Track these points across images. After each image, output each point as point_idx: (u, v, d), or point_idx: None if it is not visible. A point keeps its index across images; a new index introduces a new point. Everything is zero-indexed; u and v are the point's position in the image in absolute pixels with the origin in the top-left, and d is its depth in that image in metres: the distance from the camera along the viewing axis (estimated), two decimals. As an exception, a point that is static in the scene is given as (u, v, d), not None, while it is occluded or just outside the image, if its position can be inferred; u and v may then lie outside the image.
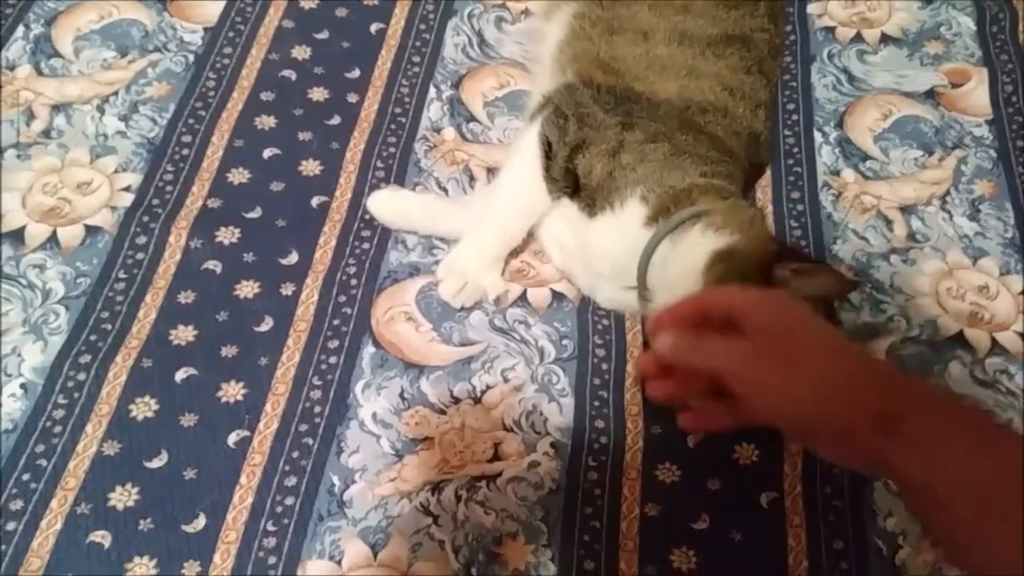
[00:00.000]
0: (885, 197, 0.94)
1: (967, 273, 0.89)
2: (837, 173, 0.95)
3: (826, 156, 0.97)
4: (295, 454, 0.74)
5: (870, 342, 0.83)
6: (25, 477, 0.71)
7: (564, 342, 0.82)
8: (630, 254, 0.78)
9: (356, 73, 0.99)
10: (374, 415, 0.76)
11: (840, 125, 0.99)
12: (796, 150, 0.97)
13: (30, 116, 0.92)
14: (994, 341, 0.84)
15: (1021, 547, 0.45)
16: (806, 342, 0.54)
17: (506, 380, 0.79)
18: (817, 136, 0.98)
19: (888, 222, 0.92)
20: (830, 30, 1.09)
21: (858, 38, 1.08)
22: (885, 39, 1.08)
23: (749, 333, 0.54)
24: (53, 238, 0.84)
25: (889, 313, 0.85)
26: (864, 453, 0.51)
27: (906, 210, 0.93)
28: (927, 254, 0.90)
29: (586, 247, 0.82)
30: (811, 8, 1.11)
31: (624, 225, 0.79)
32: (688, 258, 0.73)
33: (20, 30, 0.99)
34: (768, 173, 0.94)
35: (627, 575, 0.70)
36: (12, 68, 0.96)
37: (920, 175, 0.96)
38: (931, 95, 1.03)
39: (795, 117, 1.00)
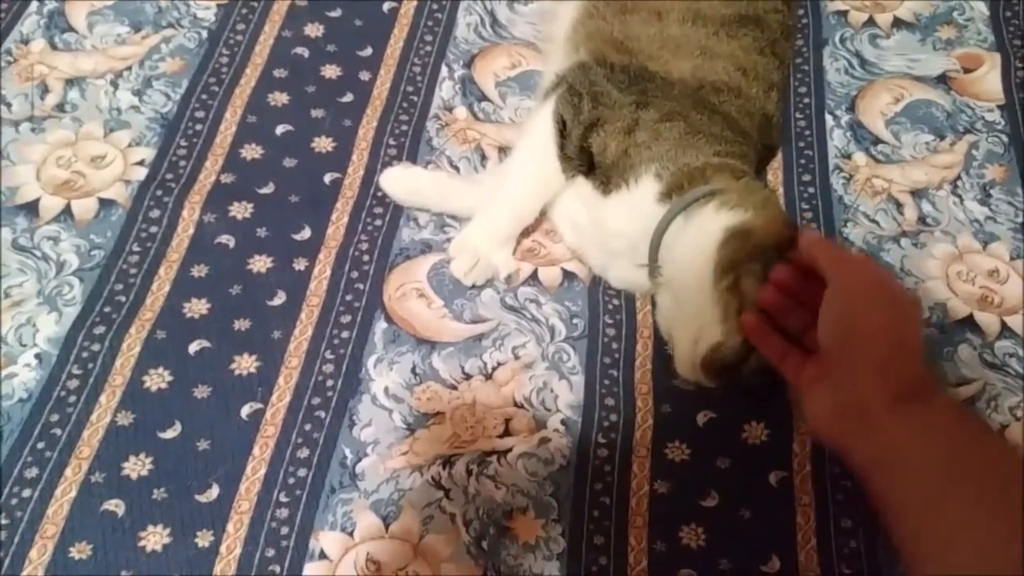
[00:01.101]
0: (896, 181, 0.94)
1: (977, 257, 0.89)
2: (848, 156, 0.95)
3: (837, 139, 0.97)
4: (308, 427, 0.74)
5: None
6: (40, 445, 0.71)
7: (575, 321, 0.82)
8: (643, 231, 0.78)
9: (368, 51, 0.99)
10: (386, 389, 0.77)
11: (852, 109, 0.99)
12: (807, 133, 0.97)
13: (44, 90, 0.93)
14: (1004, 324, 0.84)
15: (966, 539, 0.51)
16: (906, 312, 0.62)
17: (517, 357, 0.80)
18: (828, 119, 0.98)
19: (899, 205, 0.92)
20: (842, 14, 1.09)
21: (870, 22, 1.08)
22: (897, 23, 1.08)
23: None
24: (67, 211, 0.84)
25: (899, 295, 0.86)
26: (857, 408, 0.58)
27: (917, 194, 0.93)
28: (937, 238, 0.90)
29: (600, 225, 0.82)
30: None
31: (638, 202, 0.79)
32: (702, 234, 0.73)
33: (34, 5, 0.99)
34: (779, 156, 0.94)
35: (636, 550, 0.71)
36: (26, 42, 0.96)
37: (931, 159, 0.96)
38: (943, 80, 1.03)
39: (807, 100, 1.00)
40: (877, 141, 0.97)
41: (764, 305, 0.68)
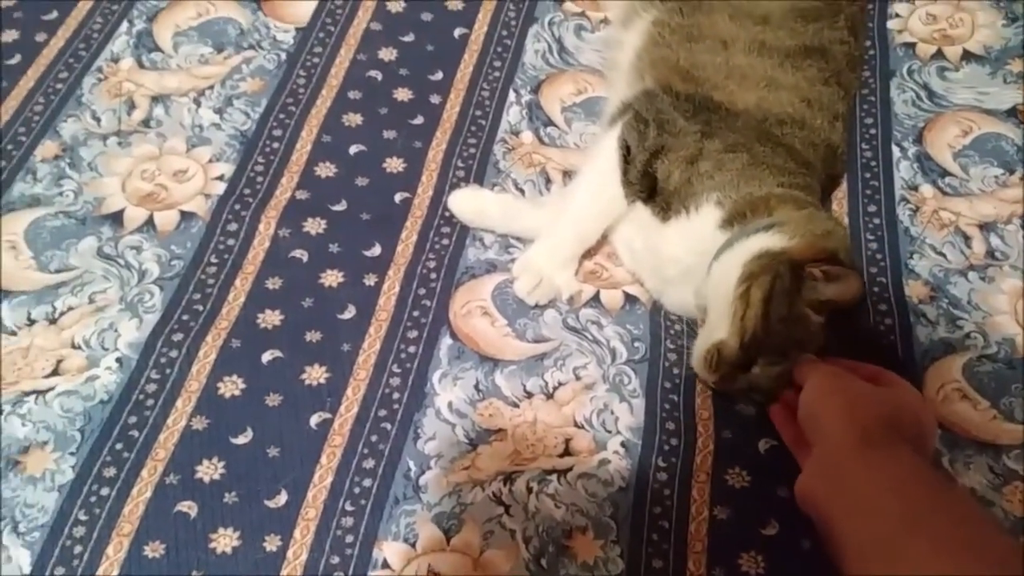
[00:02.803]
0: (964, 214, 0.93)
1: (1048, 293, 0.88)
2: (915, 188, 0.95)
3: (904, 171, 0.96)
4: (374, 438, 0.76)
5: (945, 358, 0.83)
6: (118, 447, 0.74)
7: (636, 344, 0.83)
8: (702, 257, 0.79)
9: (439, 75, 1.02)
10: (450, 404, 0.78)
11: (919, 141, 0.99)
12: (874, 164, 0.97)
13: (131, 106, 0.97)
14: (1075, 362, 0.83)
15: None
16: (858, 384, 0.69)
17: (578, 378, 0.81)
18: (895, 151, 0.98)
19: (967, 239, 0.91)
20: (910, 46, 1.08)
21: (939, 55, 1.07)
22: (967, 56, 1.07)
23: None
24: (150, 222, 0.88)
25: (966, 330, 0.85)
26: (828, 457, 0.65)
27: (985, 227, 0.92)
28: (1006, 272, 0.89)
29: (656, 251, 0.83)
30: (891, 24, 1.10)
31: (697, 229, 0.80)
32: (741, 252, 0.76)
33: (124, 25, 1.04)
34: (844, 186, 0.94)
35: (695, 575, 0.71)
36: (116, 61, 1.01)
37: (1000, 193, 0.95)
38: (1013, 113, 1.01)
39: (873, 131, 1.00)
40: (945, 173, 0.96)
41: (773, 418, 0.75)
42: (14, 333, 0.80)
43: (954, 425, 0.79)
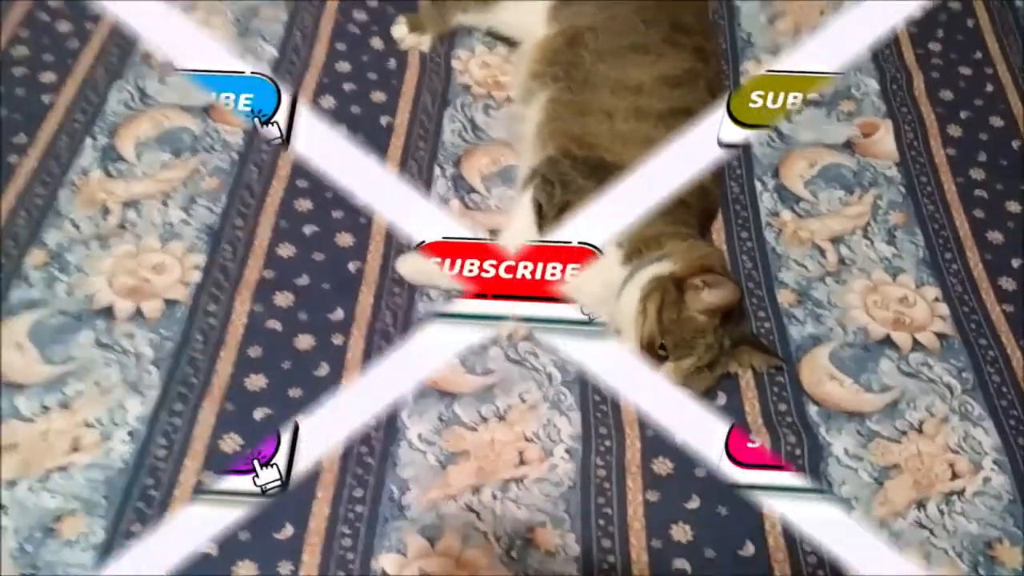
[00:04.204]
0: (817, 231, 1.14)
1: (889, 288, 1.09)
2: (777, 214, 1.16)
3: (766, 201, 1.17)
4: (359, 471, 0.90)
5: (814, 349, 1.03)
6: (140, 505, 0.86)
7: (568, 367, 1.00)
8: (611, 290, 0.97)
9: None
10: (419, 435, 0.93)
11: (776, 175, 1.20)
12: (742, 198, 1.17)
13: (105, 212, 1.08)
14: (915, 340, 1.04)
15: None
16: None
17: (523, 400, 0.97)
18: (758, 185, 1.19)
19: (822, 251, 1.12)
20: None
21: (784, 102, 1.29)
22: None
23: None
24: (138, 311, 1.00)
25: (828, 324, 1.05)
26: None
27: (835, 240, 1.13)
28: (855, 275, 1.10)
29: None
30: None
31: (605, 267, 0.98)
32: (640, 280, 0.94)
33: (88, 141, 1.15)
34: (720, 218, 1.14)
35: (637, 548, 0.87)
36: (86, 173, 1.12)
37: (844, 211, 1.17)
38: (848, 145, 1.24)
39: (739, 171, 1.20)
40: (799, 199, 1.18)
41: None
42: (32, 420, 0.90)
43: (826, 402, 0.98)
